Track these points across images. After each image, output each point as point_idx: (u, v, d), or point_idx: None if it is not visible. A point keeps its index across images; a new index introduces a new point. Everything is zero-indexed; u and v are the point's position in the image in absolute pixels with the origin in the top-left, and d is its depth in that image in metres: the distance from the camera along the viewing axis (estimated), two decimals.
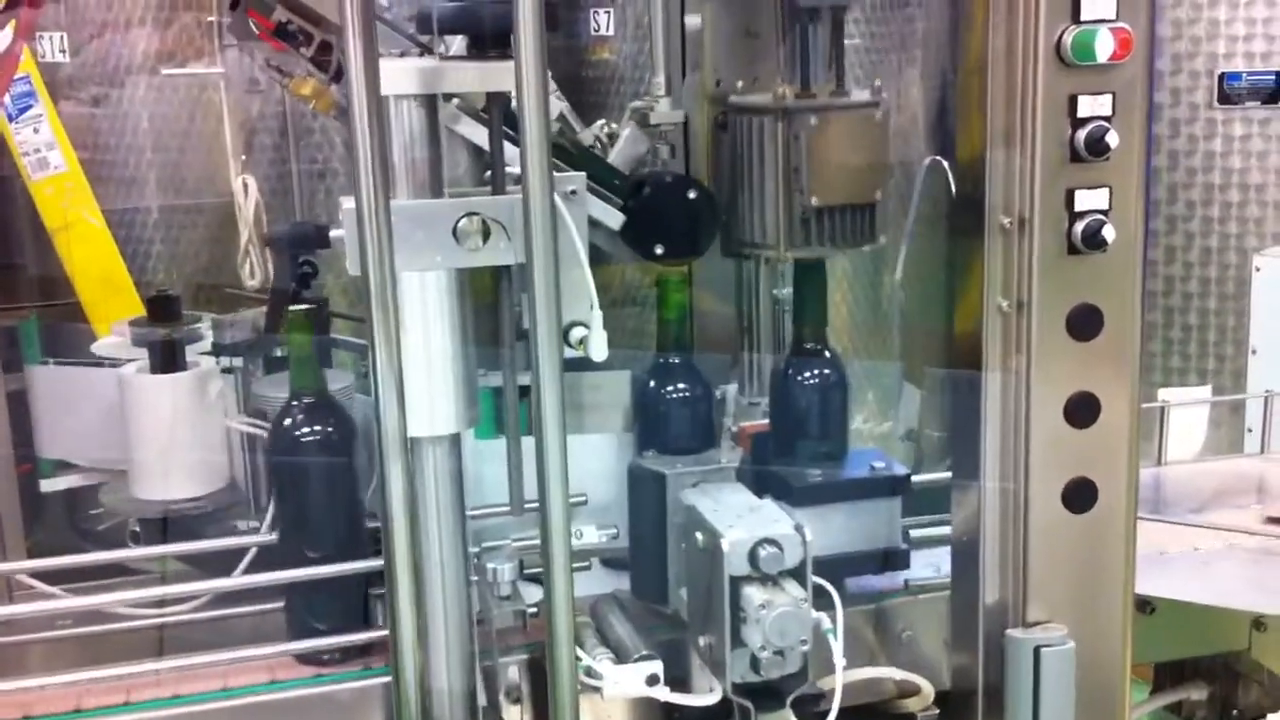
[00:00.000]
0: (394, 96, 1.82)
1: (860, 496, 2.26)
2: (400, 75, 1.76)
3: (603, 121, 2.32)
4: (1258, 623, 2.51)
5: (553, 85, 2.18)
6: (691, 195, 2.23)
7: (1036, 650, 1.96)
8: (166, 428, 2.62)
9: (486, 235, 1.88)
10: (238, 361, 2.57)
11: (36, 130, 3.59)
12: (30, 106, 3.56)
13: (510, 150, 2.00)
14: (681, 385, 2.27)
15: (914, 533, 2.35)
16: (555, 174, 2.03)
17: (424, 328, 1.90)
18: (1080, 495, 1.96)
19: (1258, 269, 4.29)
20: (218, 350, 2.52)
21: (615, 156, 2.28)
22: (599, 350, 2.00)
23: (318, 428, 2.17)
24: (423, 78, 1.77)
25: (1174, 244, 5.49)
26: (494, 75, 1.76)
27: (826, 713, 2.20)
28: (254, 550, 2.39)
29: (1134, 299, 1.94)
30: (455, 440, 1.96)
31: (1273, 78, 5.16)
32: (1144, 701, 2.80)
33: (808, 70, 2.17)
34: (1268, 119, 5.20)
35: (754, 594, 1.96)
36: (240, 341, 2.56)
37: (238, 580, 2.28)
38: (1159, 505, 2.85)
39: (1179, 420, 2.93)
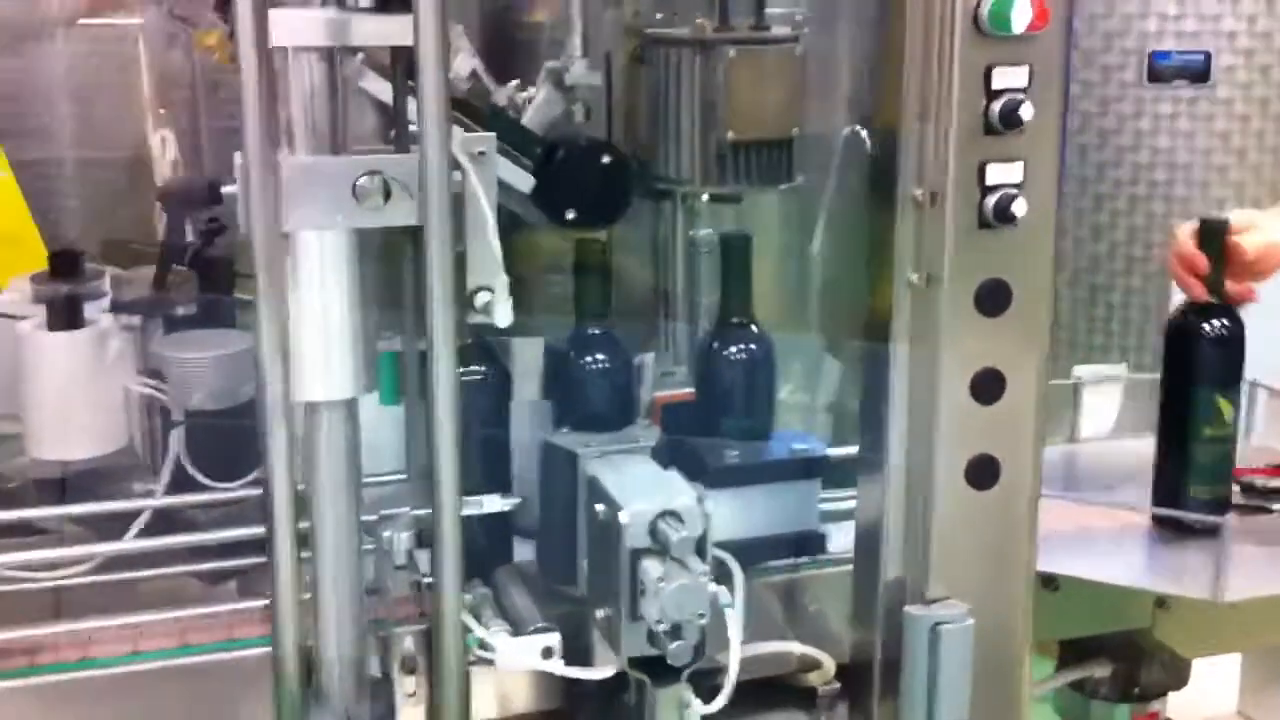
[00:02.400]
0: (292, 49, 1.76)
1: (776, 479, 2.23)
2: (295, 26, 1.69)
3: (517, 81, 2.28)
4: (1160, 601, 2.51)
5: (467, 43, 2.13)
6: (605, 160, 2.19)
7: (934, 627, 1.95)
8: (63, 386, 2.55)
9: (388, 195, 1.83)
10: (136, 320, 2.49)
11: None
12: None
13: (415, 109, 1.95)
14: (598, 357, 2.23)
15: (830, 506, 2.33)
16: (463, 134, 1.99)
17: (320, 289, 1.83)
18: (984, 472, 1.95)
19: None
20: (115, 307, 2.44)
21: (530, 118, 2.24)
22: (503, 316, 1.96)
23: None
24: (317, 29, 1.70)
25: (1100, 221, 5.53)
26: (391, 29, 1.70)
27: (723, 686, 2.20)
28: (148, 513, 2.35)
29: (1045, 275, 1.92)
30: (351, 405, 1.91)
31: (1202, 57, 5.18)
32: (1048, 678, 2.80)
33: (727, 3, 2.14)
34: (1195, 98, 5.23)
35: (652, 567, 1.93)
36: (139, 300, 2.49)
37: (128, 544, 2.23)
38: (1070, 483, 2.85)
39: (1092, 398, 2.93)
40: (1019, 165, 1.86)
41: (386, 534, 2.06)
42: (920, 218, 1.88)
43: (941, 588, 1.98)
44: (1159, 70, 5.17)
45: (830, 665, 2.25)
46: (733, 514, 2.21)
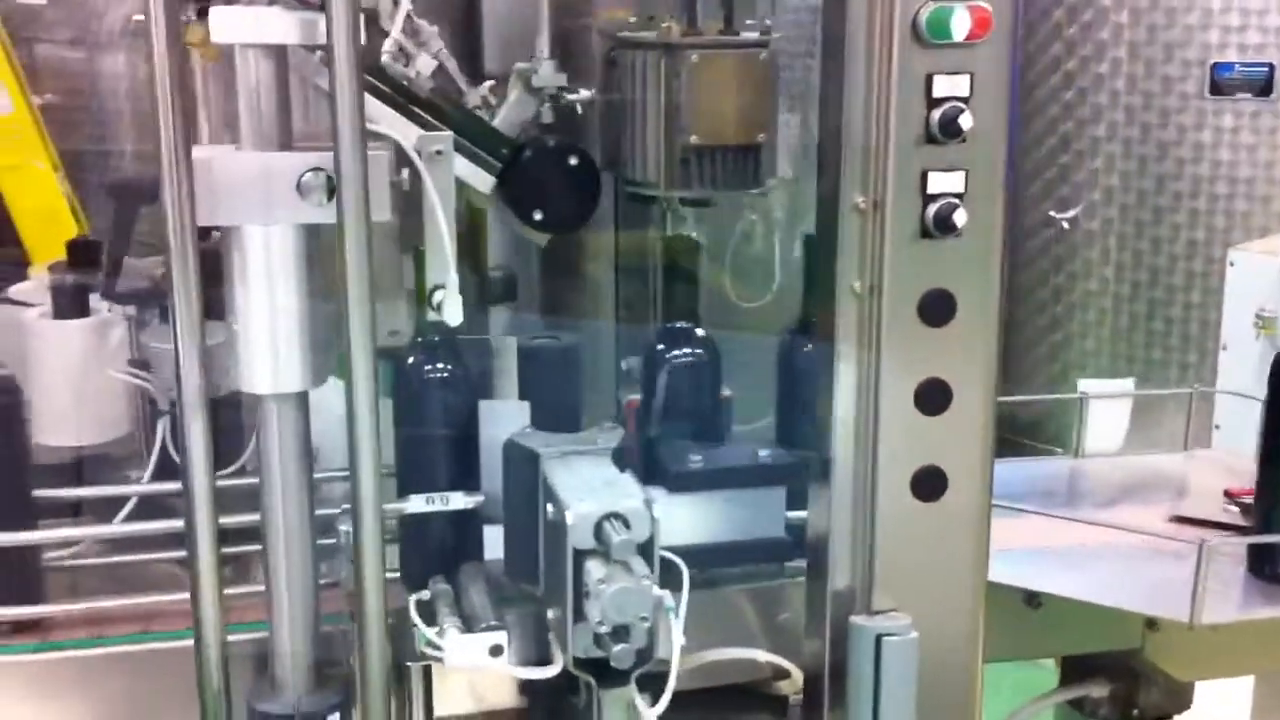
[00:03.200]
0: (238, 45, 1.80)
1: (740, 485, 2.22)
2: (226, 22, 1.72)
3: (492, 82, 2.30)
4: (1150, 622, 2.46)
5: (439, 43, 2.16)
6: (572, 161, 2.20)
7: (878, 639, 1.93)
8: (63, 373, 2.62)
9: (333, 191, 1.85)
10: (132, 310, 2.55)
11: None
12: None
13: (377, 106, 1.99)
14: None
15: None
16: (421, 134, 2.01)
17: (268, 283, 1.87)
18: (929, 484, 1.93)
19: (1231, 264, 4.24)
20: (109, 298, 2.50)
21: (501, 119, 2.26)
22: (452, 314, 1.99)
23: None
24: (244, 26, 1.73)
25: (1159, 235, 5.42)
26: (311, 27, 1.72)
27: (684, 691, 2.19)
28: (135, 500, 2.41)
29: (990, 286, 1.90)
30: (302, 399, 1.94)
31: (1266, 70, 5.06)
32: (1044, 695, 2.76)
33: (695, 7, 2.15)
34: (1259, 111, 5.11)
35: (594, 568, 1.93)
36: (133, 290, 2.54)
37: (108, 528, 2.29)
38: (1070, 498, 2.81)
39: (1099, 412, 2.88)
40: (960, 175, 1.83)
41: (344, 528, 2.09)
42: (863, 225, 1.86)
43: (888, 599, 1.96)
44: (1221, 83, 5.06)
45: (799, 674, 2.24)
46: (694, 519, 2.21)
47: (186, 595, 2.12)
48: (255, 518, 2.09)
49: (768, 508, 2.24)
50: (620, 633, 1.94)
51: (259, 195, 1.81)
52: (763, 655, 2.23)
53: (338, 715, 2.02)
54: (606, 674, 2.00)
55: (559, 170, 2.18)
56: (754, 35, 2.14)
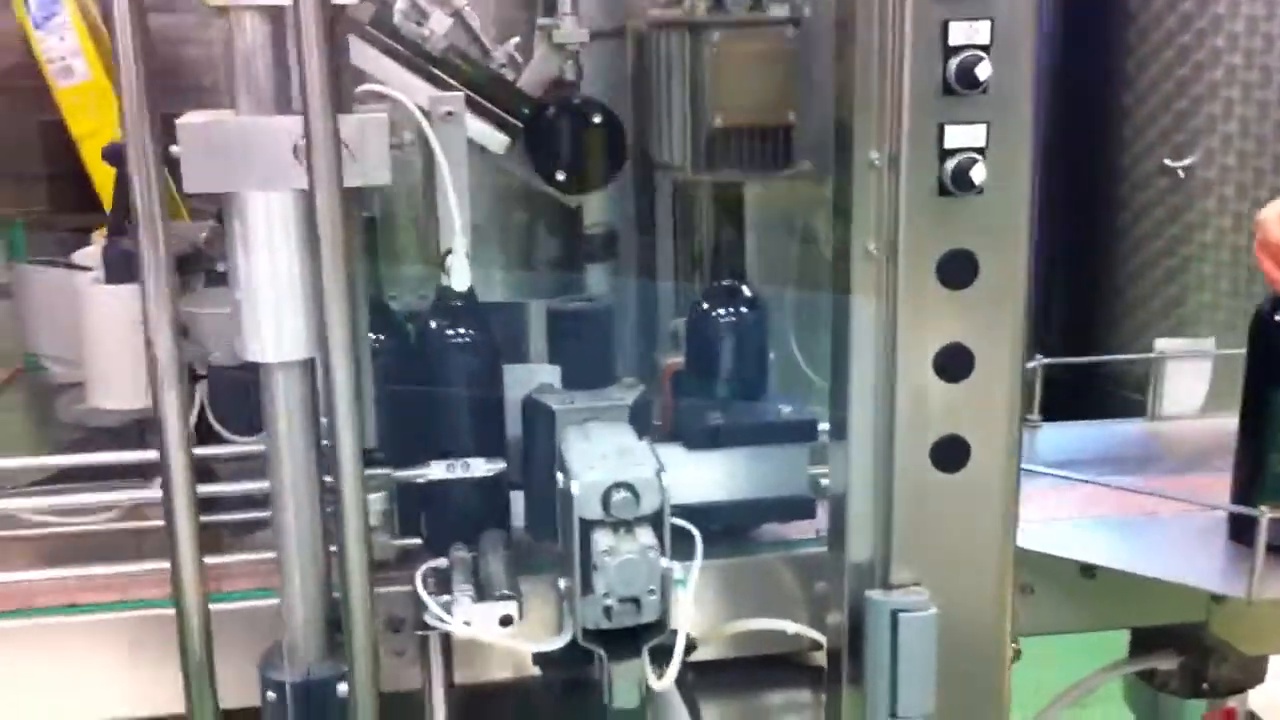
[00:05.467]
0: (233, 8, 1.76)
1: (761, 442, 2.16)
2: None
3: (518, 39, 2.24)
4: (1215, 595, 2.34)
5: (453, 1, 2.11)
6: (596, 120, 2.14)
7: (894, 614, 1.85)
8: (115, 337, 2.63)
9: None
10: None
11: (62, 38, 3.62)
12: (55, 14, 3.58)
13: (389, 69, 1.95)
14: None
15: None
16: (430, 94, 1.97)
17: (269, 251, 1.84)
18: (951, 454, 1.84)
19: None
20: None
21: (526, 78, 2.20)
22: (458, 280, 1.94)
23: None
24: None
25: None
26: None
27: (707, 662, 2.15)
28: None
29: (1017, 246, 1.79)
30: (306, 366, 1.91)
31: None
32: (1110, 666, 2.65)
33: None
34: None
35: (601, 539, 1.88)
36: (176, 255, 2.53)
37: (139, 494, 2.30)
38: (1143, 463, 2.69)
39: (1177, 374, 2.74)
40: (981, 128, 1.73)
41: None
42: (878, 183, 1.77)
43: (908, 573, 1.88)
44: None
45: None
46: (715, 476, 2.15)
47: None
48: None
49: (790, 465, 2.17)
50: (627, 604, 1.90)
51: (252, 161, 1.78)
52: (791, 626, 2.17)
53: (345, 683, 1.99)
54: (617, 646, 1.95)
55: (583, 129, 2.12)
56: (783, 13, 2.05)
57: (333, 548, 2.04)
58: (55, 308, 2.94)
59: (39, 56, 3.65)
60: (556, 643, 1.96)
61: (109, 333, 2.62)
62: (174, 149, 1.84)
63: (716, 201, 2.24)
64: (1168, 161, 5.46)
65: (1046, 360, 2.72)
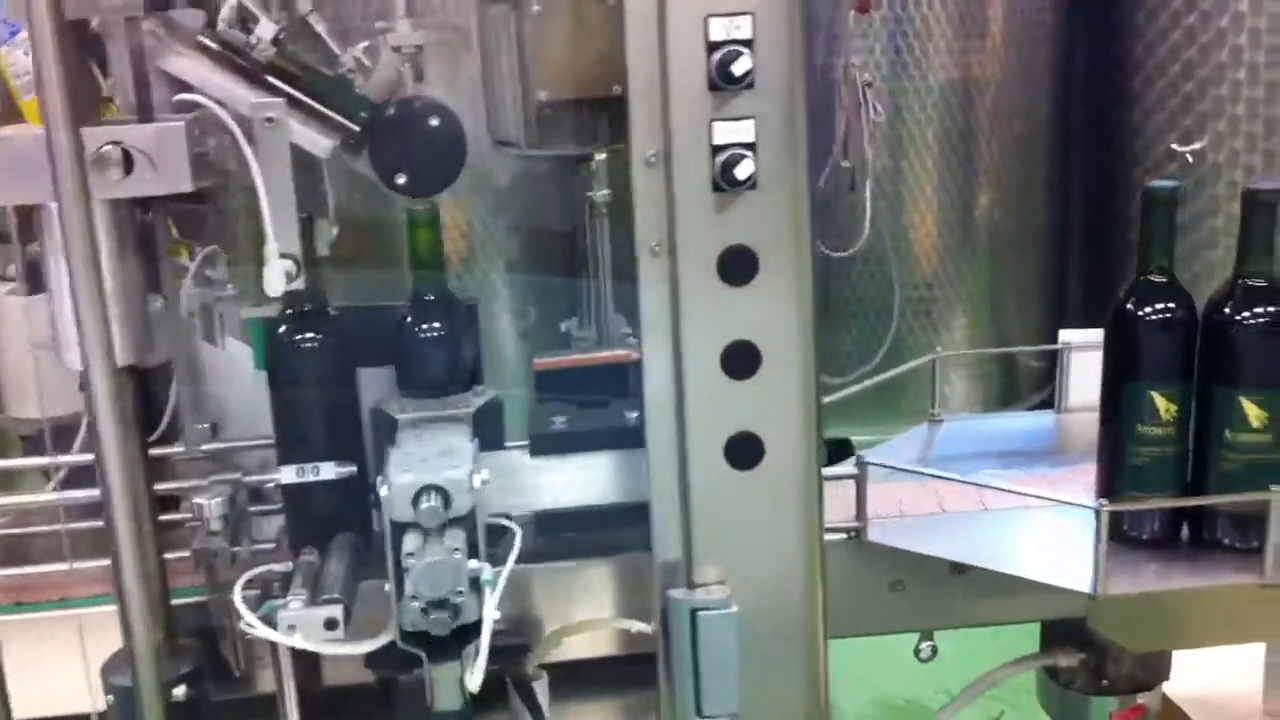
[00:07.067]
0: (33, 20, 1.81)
1: (604, 447, 2.16)
2: None
3: (366, 44, 2.25)
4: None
5: (308, 4, 2.13)
6: (434, 122, 2.14)
7: (693, 613, 1.84)
8: (26, 347, 2.70)
9: (130, 165, 1.85)
10: None
11: (26, 53, 3.70)
12: (20, 29, 3.66)
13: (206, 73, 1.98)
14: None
15: None
16: (253, 100, 1.99)
17: (84, 262, 1.88)
18: (744, 451, 1.83)
19: None
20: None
21: (374, 81, 2.21)
22: (270, 286, 1.96)
23: None
24: None
25: None
26: None
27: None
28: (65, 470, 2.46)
29: (798, 240, 1.77)
30: (128, 373, 1.94)
31: None
32: (1012, 662, 2.61)
33: None
34: None
35: (409, 542, 1.90)
36: None
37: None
38: (1046, 455, 2.65)
39: (1081, 364, 2.70)
40: (749, 124, 1.72)
41: (197, 500, 2.11)
42: (655, 181, 1.76)
43: (712, 572, 1.88)
44: None
45: None
46: (560, 482, 2.15)
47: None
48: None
49: (637, 471, 2.17)
50: (441, 607, 1.91)
51: (51, 173, 1.82)
52: (635, 625, 2.16)
53: (184, 686, 2.03)
54: (440, 648, 1.97)
55: (419, 132, 2.13)
56: None
57: (169, 555, 2.10)
58: None
59: (4, 72, 3.73)
60: (374, 645, 1.98)
61: (18, 343, 2.70)
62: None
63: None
64: (1175, 146, 5.34)
65: (943, 354, 2.68)
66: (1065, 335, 2.73)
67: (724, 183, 1.72)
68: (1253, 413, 2.07)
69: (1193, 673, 2.75)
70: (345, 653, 1.98)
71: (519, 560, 2.06)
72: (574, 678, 2.24)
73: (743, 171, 1.71)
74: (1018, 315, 5.70)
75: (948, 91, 5.40)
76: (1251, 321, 2.08)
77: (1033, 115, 5.67)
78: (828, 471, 2.19)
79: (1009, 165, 5.62)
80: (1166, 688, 2.66)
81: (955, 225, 5.56)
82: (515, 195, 3.45)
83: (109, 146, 1.84)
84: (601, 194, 2.39)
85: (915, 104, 5.39)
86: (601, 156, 2.33)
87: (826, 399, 2.54)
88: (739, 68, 1.68)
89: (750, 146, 1.72)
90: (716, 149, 1.72)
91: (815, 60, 1.64)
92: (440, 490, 1.90)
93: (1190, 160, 5.26)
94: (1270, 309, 2.07)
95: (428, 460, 1.97)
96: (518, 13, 2.04)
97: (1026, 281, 5.87)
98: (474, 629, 1.95)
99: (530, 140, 2.08)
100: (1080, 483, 2.39)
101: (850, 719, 4.70)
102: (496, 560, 1.96)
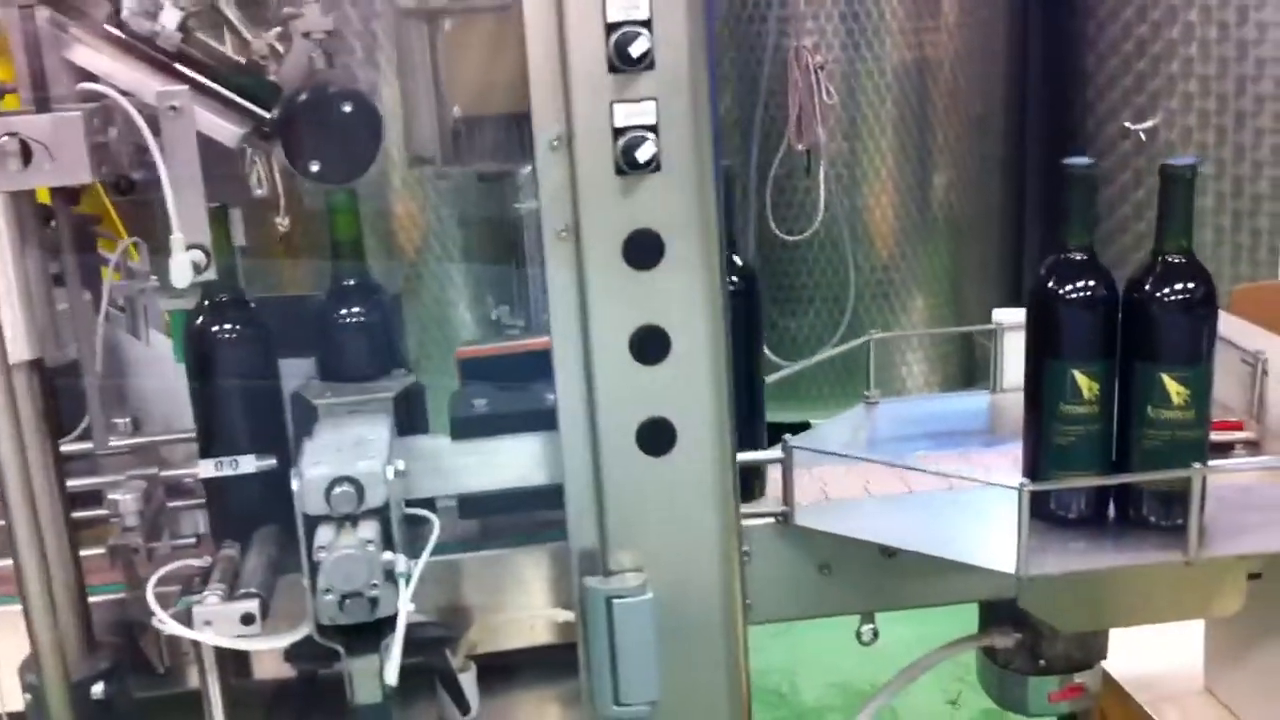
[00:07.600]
0: None
1: (524, 430, 2.13)
2: None
3: (279, 29, 2.22)
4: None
5: None
6: (347, 109, 2.12)
7: (609, 600, 1.83)
8: None
9: (29, 157, 1.83)
10: None
11: None
12: None
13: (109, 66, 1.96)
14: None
15: None
16: (158, 89, 1.97)
17: None
18: (656, 436, 1.81)
19: None
20: None
21: (286, 67, 2.19)
22: (176, 277, 1.94)
23: None
24: None
25: (1242, 142, 5.12)
26: None
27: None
28: None
29: (706, 224, 1.75)
30: (34, 367, 1.92)
31: None
32: (950, 644, 2.60)
33: None
34: None
35: (321, 534, 1.88)
36: None
37: None
38: (980, 436, 2.64)
39: (1015, 344, 2.68)
40: (650, 105, 1.70)
41: (111, 496, 2.08)
42: (558, 164, 1.74)
43: (628, 559, 1.86)
44: None
45: None
46: (481, 465, 2.13)
47: None
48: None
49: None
50: (359, 599, 1.89)
51: None
52: (561, 615, 2.14)
53: (102, 684, 2.00)
54: (359, 641, 1.95)
55: (330, 119, 2.10)
56: None
57: (84, 551, 2.07)
58: None
59: None
60: (289, 639, 1.96)
61: None
62: None
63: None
64: (1128, 125, 5.35)
65: (879, 335, 2.67)
66: (999, 315, 2.73)
67: (626, 165, 1.70)
68: (1174, 389, 2.05)
69: (1133, 651, 2.75)
70: (261, 648, 1.95)
71: (446, 549, 2.05)
72: (504, 667, 2.22)
73: (644, 154, 1.69)
74: (976, 296, 5.71)
75: (901, 73, 5.39)
76: (1171, 298, 2.07)
77: (988, 95, 5.67)
78: (753, 455, 2.19)
79: (964, 146, 5.62)
80: (1108, 666, 2.65)
81: (911, 207, 5.56)
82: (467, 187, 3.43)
83: (5, 137, 1.81)
84: (528, 205, 2.37)
85: (869, 86, 5.38)
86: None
87: (771, 378, 2.55)
88: (637, 49, 1.65)
89: (652, 129, 1.70)
90: (618, 131, 1.70)
91: (714, 42, 1.62)
92: (354, 482, 1.88)
93: (1144, 138, 5.27)
94: (1189, 285, 2.07)
95: (342, 450, 1.95)
96: (433, 29, 2.02)
97: (984, 262, 5.87)
98: (392, 621, 1.93)
99: (446, 157, 2.06)
100: (1011, 462, 2.38)
101: (810, 703, 4.71)
102: (419, 549, 1.94)
